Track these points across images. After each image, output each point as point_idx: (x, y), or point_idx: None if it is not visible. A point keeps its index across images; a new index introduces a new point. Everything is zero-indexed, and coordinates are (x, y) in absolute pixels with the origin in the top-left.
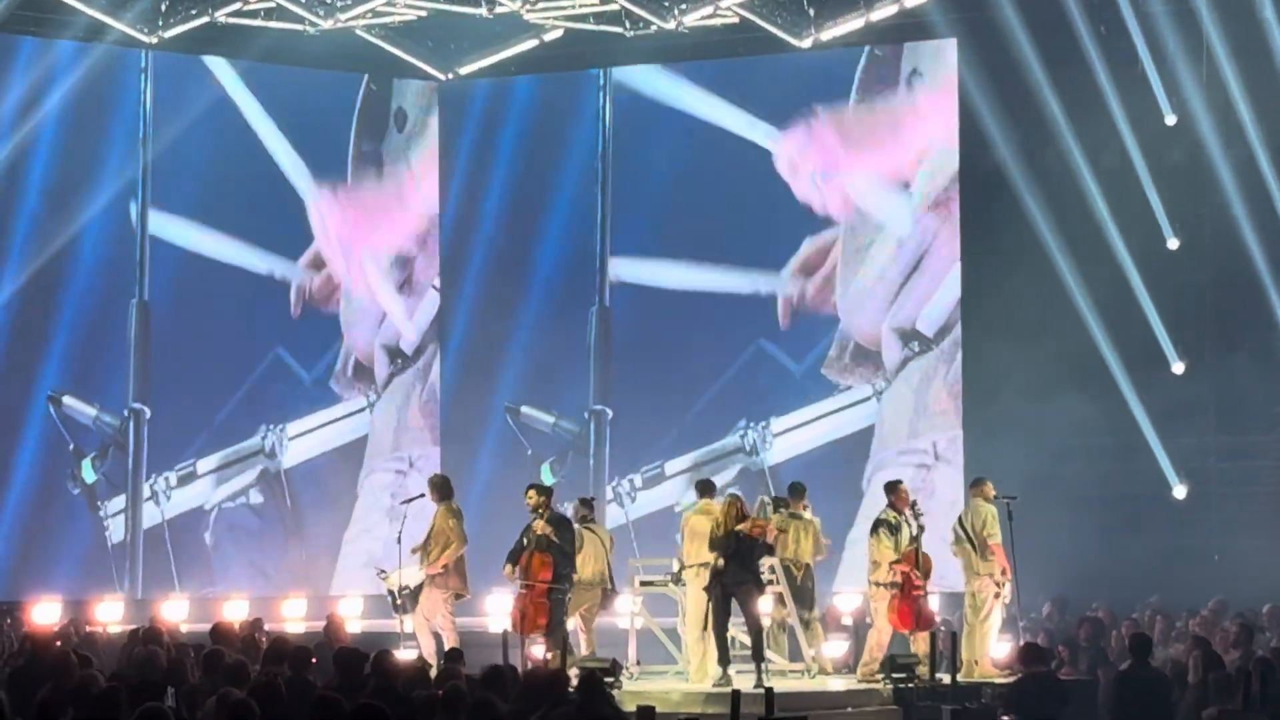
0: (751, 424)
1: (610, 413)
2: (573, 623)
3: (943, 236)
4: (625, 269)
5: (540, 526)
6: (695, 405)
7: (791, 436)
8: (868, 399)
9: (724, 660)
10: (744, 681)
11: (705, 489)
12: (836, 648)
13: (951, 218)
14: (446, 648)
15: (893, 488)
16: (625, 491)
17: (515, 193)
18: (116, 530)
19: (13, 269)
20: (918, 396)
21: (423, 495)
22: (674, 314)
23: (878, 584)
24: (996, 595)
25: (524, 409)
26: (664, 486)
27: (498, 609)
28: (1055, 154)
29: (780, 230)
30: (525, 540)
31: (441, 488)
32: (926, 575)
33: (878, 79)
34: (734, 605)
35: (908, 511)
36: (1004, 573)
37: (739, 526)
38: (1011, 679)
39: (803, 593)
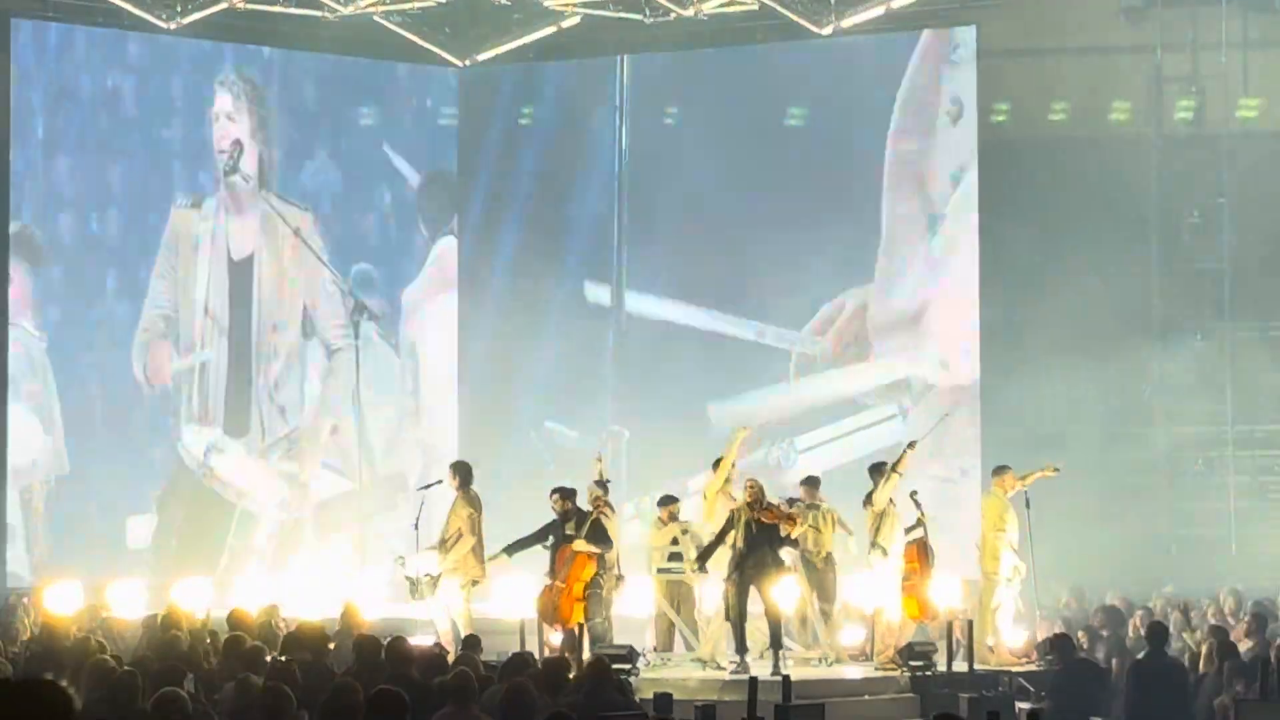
0: (777, 442)
1: (626, 433)
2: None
3: (964, 242)
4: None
5: (582, 545)
6: (714, 425)
7: (817, 454)
8: (893, 417)
9: (742, 648)
10: (762, 669)
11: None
12: (853, 635)
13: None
14: (462, 634)
15: (878, 469)
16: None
17: (536, 199)
18: None
19: None
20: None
21: (440, 482)
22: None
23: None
24: (1008, 581)
25: (547, 423)
26: (686, 503)
27: (515, 596)
28: (1075, 138)
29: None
30: (551, 536)
31: (461, 474)
32: (930, 565)
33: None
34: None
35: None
36: (1013, 568)
37: (759, 515)
38: (1029, 668)
39: (824, 583)
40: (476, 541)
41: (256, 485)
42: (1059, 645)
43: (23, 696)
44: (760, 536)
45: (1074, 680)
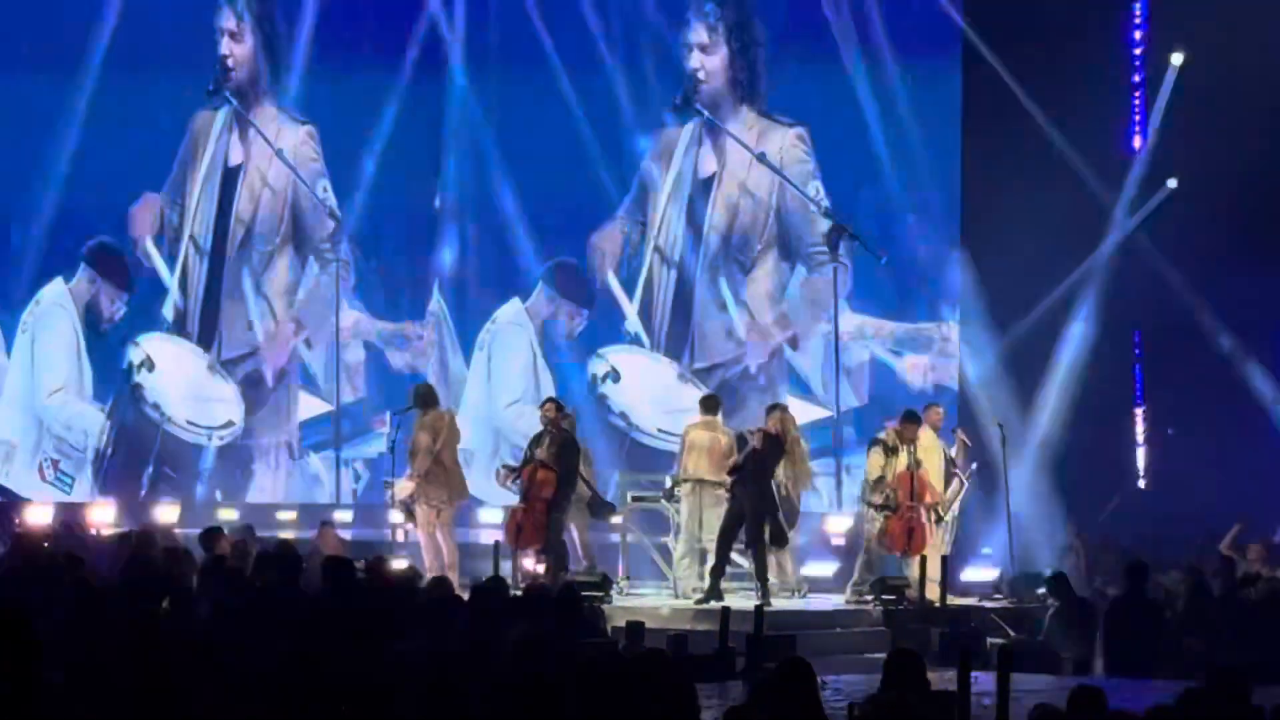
0: None
1: None
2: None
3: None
4: None
5: (545, 452)
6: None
7: None
8: None
9: (718, 572)
10: (746, 602)
11: (709, 405)
12: (825, 568)
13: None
14: (446, 558)
15: (910, 416)
16: None
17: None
18: None
19: None
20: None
21: (412, 407)
22: None
23: (869, 504)
24: (937, 521)
25: None
26: None
27: (492, 520)
28: (1063, 101)
29: None
30: (530, 453)
31: (423, 397)
32: (920, 499)
33: None
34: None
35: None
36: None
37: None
38: (1003, 604)
39: (791, 512)
40: (435, 464)
41: (214, 401)
42: (1057, 585)
43: None
44: (759, 466)
45: (1070, 620)
